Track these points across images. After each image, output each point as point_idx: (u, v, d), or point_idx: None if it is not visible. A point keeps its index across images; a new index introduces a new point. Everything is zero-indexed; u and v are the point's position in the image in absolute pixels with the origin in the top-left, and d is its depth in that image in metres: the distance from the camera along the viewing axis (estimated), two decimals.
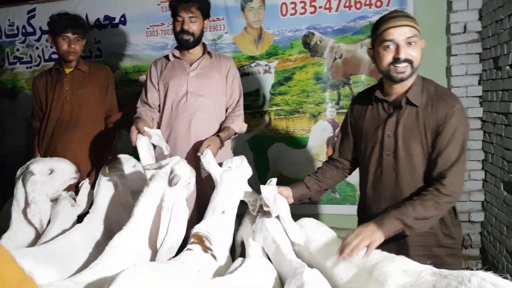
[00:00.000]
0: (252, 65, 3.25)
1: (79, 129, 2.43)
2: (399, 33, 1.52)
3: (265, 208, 1.65)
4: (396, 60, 1.52)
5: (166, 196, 1.60)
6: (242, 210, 1.87)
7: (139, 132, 1.92)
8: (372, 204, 1.70)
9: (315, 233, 1.65)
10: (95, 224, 1.83)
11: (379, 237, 1.43)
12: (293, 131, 3.24)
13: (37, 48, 3.63)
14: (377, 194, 1.67)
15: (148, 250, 1.59)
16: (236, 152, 3.21)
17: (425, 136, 1.56)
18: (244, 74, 3.24)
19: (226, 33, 3.27)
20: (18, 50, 3.68)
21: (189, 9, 2.16)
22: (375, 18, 2.96)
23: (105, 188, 1.99)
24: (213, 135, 2.08)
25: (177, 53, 2.25)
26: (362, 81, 3.16)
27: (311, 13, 3.14)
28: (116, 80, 3.41)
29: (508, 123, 2.61)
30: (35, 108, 2.59)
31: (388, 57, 1.54)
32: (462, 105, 1.57)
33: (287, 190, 1.78)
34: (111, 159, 2.10)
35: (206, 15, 2.23)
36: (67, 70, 2.51)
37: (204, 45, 2.30)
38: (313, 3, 3.12)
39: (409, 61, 1.53)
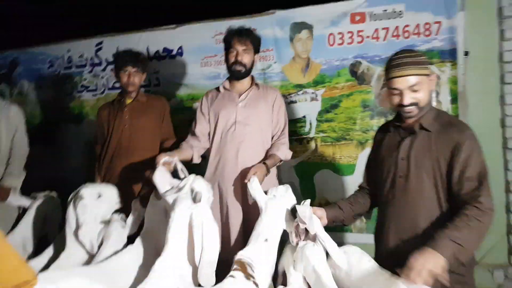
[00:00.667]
0: (299, 93, 3.35)
1: (135, 154, 2.64)
2: (403, 83, 1.64)
3: (301, 226, 1.70)
4: (401, 105, 1.66)
5: (194, 215, 1.68)
6: (285, 237, 1.93)
7: (159, 165, 2.03)
8: (379, 225, 1.81)
9: (358, 261, 1.67)
10: (145, 246, 1.97)
11: (441, 265, 1.42)
12: (340, 158, 3.27)
13: (102, 77, 3.96)
14: (386, 215, 1.76)
15: (189, 270, 1.68)
16: (282, 178, 3.33)
17: (437, 160, 1.63)
18: (291, 102, 3.35)
19: (275, 62, 3.40)
20: (85, 79, 4.03)
21: (244, 42, 2.33)
22: (423, 47, 3.07)
23: (154, 212, 2.08)
24: (259, 162, 2.18)
25: (227, 84, 2.41)
26: None
27: (358, 42, 3.20)
28: (171, 107, 3.68)
29: None
30: (98, 135, 2.85)
31: (395, 100, 1.69)
32: (473, 132, 1.68)
33: (321, 211, 1.84)
34: None
35: (257, 49, 2.39)
36: (128, 101, 2.76)
37: (252, 77, 2.45)
38: (360, 33, 3.19)
39: (415, 104, 1.65)
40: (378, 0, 3.14)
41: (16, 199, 2.74)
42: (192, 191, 1.83)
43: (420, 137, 1.69)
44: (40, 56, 4.15)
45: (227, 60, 2.38)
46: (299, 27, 3.32)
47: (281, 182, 3.25)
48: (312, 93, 3.33)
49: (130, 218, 2.26)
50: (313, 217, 1.69)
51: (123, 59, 2.69)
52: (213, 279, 1.65)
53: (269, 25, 3.37)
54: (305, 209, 1.70)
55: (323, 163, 3.31)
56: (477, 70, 3.03)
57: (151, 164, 2.59)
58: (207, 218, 1.71)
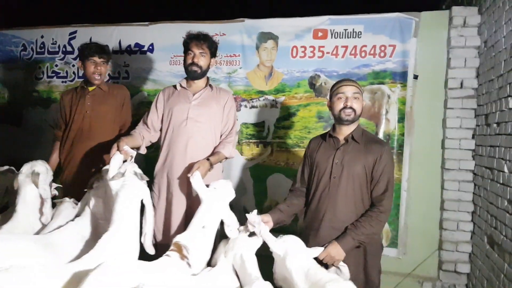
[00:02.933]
0: (261, 99, 3.52)
1: (95, 139, 2.77)
2: (348, 89, 2.11)
3: (250, 229, 1.96)
4: (345, 107, 2.09)
5: (144, 190, 2.02)
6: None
7: (118, 149, 2.18)
8: (314, 216, 2.15)
9: (293, 249, 1.86)
10: (85, 223, 2.10)
11: (342, 255, 1.96)
12: (292, 164, 3.45)
13: (73, 65, 4.02)
14: (321, 208, 2.13)
15: (136, 246, 1.88)
16: (237, 178, 3.49)
17: (363, 167, 2.07)
18: (253, 107, 3.52)
19: (240, 68, 3.57)
20: (56, 65, 4.09)
21: (201, 45, 2.49)
22: (378, 67, 3.29)
23: (96, 193, 2.24)
24: (204, 158, 2.33)
25: (184, 83, 2.57)
26: (361, 123, 3.30)
27: (319, 57, 3.40)
28: (138, 100, 3.79)
29: (492, 178, 2.73)
30: (59, 119, 2.94)
31: (340, 105, 2.11)
32: (389, 147, 2.16)
33: (267, 216, 2.12)
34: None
35: (213, 54, 2.55)
36: (90, 88, 2.87)
37: (207, 78, 2.60)
38: (321, 49, 3.39)
39: (353, 109, 2.10)
40: (340, 19, 3.36)
41: None
42: (135, 173, 2.05)
43: (351, 146, 2.12)
44: (14, 39, 4.19)
45: (185, 61, 2.53)
46: (266, 36, 3.51)
47: (235, 181, 3.47)
48: (273, 100, 3.51)
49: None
50: (261, 223, 1.97)
51: (90, 50, 2.82)
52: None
53: (238, 32, 3.54)
54: (254, 216, 1.97)
55: (277, 167, 3.49)
56: (424, 93, 3.27)
57: (110, 150, 2.73)
58: (148, 195, 2.04)
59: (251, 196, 3.52)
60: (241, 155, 3.55)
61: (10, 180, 2.63)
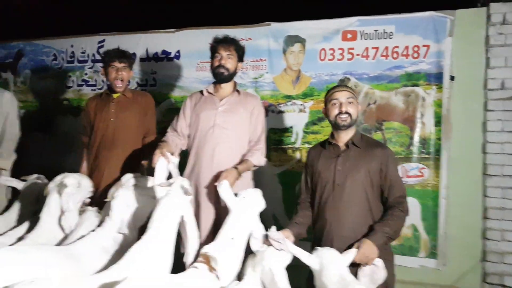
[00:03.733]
0: (288, 103, 3.43)
1: (119, 147, 2.76)
2: (342, 95, 2.13)
3: (276, 246, 1.89)
4: (340, 112, 2.10)
5: (187, 205, 1.97)
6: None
7: (162, 155, 2.14)
8: (322, 224, 2.13)
9: (328, 263, 1.82)
10: (111, 232, 2.07)
11: (376, 252, 1.92)
12: None
13: (102, 74, 4.08)
14: (327, 216, 2.12)
15: (169, 257, 1.83)
16: (265, 185, 3.40)
17: (367, 171, 2.07)
18: (280, 112, 3.44)
19: (267, 72, 3.50)
20: (86, 74, 4.15)
21: (228, 48, 2.45)
22: (411, 69, 3.15)
23: (124, 200, 2.21)
24: (232, 167, 2.26)
25: (211, 88, 2.52)
26: (395, 127, 3.21)
27: (348, 59, 3.29)
28: (165, 107, 3.78)
29: None
30: (85, 125, 2.96)
31: (335, 111, 2.13)
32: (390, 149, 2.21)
33: (287, 232, 2.08)
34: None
35: (240, 58, 2.49)
36: (115, 96, 2.86)
37: (235, 83, 2.55)
38: (351, 51, 3.28)
39: (349, 114, 2.11)
40: (370, 20, 3.24)
41: (7, 180, 2.90)
42: (182, 187, 2.02)
43: (352, 152, 2.13)
44: (45, 49, 4.28)
45: (211, 65, 2.50)
46: (292, 40, 3.43)
47: (263, 188, 3.38)
48: (301, 104, 3.41)
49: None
50: (285, 239, 1.93)
51: (110, 55, 2.83)
52: None
53: (264, 36, 3.48)
54: (276, 234, 1.94)
55: None
56: (462, 95, 3.10)
57: (136, 156, 2.73)
58: (191, 212, 1.99)
59: (280, 203, 3.43)
60: (269, 161, 3.47)
61: (40, 188, 2.67)
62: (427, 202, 3.14)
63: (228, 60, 2.44)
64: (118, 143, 2.77)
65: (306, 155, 2.32)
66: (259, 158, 2.39)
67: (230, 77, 2.48)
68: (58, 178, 2.33)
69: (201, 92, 2.56)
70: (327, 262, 1.81)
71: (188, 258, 1.91)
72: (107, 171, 2.70)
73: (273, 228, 1.99)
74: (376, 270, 1.87)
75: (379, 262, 1.87)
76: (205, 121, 2.42)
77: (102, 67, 2.92)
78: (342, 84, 2.37)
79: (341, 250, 1.94)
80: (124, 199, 2.15)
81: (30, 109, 4.37)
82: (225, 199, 2.08)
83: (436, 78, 3.10)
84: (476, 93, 3.08)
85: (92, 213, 2.25)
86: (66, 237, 2.12)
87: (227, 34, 2.54)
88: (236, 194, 2.09)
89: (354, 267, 1.91)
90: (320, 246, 2.02)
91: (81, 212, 2.28)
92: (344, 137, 2.15)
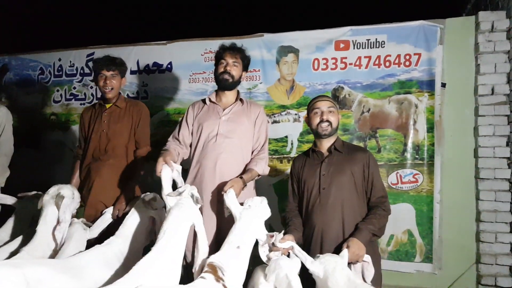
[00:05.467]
0: (283, 113, 3.45)
1: (110, 158, 2.67)
2: (323, 104, 2.22)
3: (285, 252, 1.91)
4: (321, 121, 2.19)
5: (197, 213, 1.94)
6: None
7: (165, 163, 2.11)
8: (310, 229, 2.17)
9: (332, 269, 1.80)
10: (115, 248, 2.01)
11: (364, 249, 1.99)
12: None
13: (91, 87, 4.01)
14: (315, 220, 2.16)
15: (178, 265, 1.78)
16: (260, 194, 3.38)
17: (351, 174, 2.14)
18: (275, 122, 3.45)
19: (260, 83, 3.52)
20: (75, 88, 4.08)
21: (234, 55, 2.44)
22: (403, 77, 3.21)
23: (136, 218, 2.21)
24: (237, 176, 2.24)
25: (213, 97, 2.49)
26: (389, 135, 3.26)
27: (341, 68, 3.34)
28: (158, 120, 3.74)
29: None
30: (80, 138, 2.89)
31: (316, 119, 2.21)
32: (371, 153, 2.27)
33: (290, 236, 2.06)
34: (147, 195, 2.33)
35: (245, 67, 2.49)
36: (107, 106, 2.80)
37: (238, 92, 2.53)
38: (344, 60, 3.33)
39: (329, 122, 2.19)
40: (362, 30, 3.31)
41: (0, 197, 2.75)
42: (192, 195, 1.98)
43: (335, 157, 2.20)
44: (31, 63, 4.20)
45: (216, 72, 2.47)
46: (286, 50, 3.46)
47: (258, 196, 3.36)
48: (295, 114, 3.43)
49: (100, 221, 2.42)
50: (295, 244, 1.95)
51: (100, 64, 2.75)
52: None
53: (257, 46, 3.50)
54: (285, 238, 1.99)
55: None
56: (453, 101, 3.18)
57: (124, 169, 2.67)
58: (201, 221, 1.95)
59: (276, 213, 3.40)
60: None
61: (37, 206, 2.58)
62: (422, 207, 3.18)
63: (233, 67, 2.42)
64: (110, 154, 2.69)
65: (291, 165, 2.37)
66: (263, 167, 2.36)
67: (234, 84, 2.46)
68: (53, 190, 2.26)
69: (204, 101, 2.53)
70: (331, 268, 1.80)
71: (198, 267, 1.87)
72: (97, 181, 2.62)
73: (281, 234, 1.99)
74: (367, 266, 1.94)
75: (368, 258, 1.95)
76: (208, 130, 2.38)
77: (93, 77, 2.86)
78: (323, 95, 2.45)
79: (331, 252, 2.01)
80: (137, 216, 2.16)
81: (17, 124, 4.26)
82: (231, 207, 2.05)
83: (428, 86, 3.18)
84: (467, 99, 3.17)
85: (79, 226, 2.23)
86: (56, 249, 2.07)
87: (234, 42, 2.52)
88: (242, 204, 2.07)
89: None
90: (309, 250, 2.08)
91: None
92: (326, 144, 2.24)
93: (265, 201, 2.09)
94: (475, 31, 3.12)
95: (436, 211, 3.15)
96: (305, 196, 2.23)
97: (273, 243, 1.96)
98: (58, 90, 4.12)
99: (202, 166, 2.35)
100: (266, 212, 2.07)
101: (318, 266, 1.82)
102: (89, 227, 2.37)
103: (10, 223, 2.50)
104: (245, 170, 2.32)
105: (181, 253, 1.79)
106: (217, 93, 2.51)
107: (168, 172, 2.08)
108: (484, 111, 3.09)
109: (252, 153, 2.42)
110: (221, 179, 2.26)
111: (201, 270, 1.83)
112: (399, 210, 3.19)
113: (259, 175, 2.36)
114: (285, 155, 3.44)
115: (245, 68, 2.51)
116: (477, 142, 3.11)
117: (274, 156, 3.46)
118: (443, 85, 3.16)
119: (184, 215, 1.86)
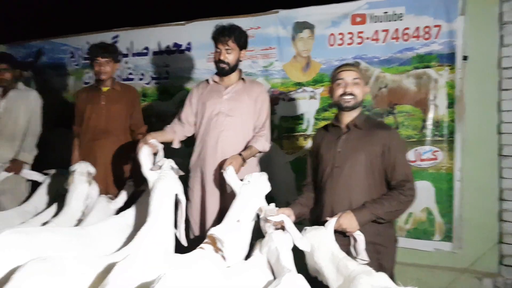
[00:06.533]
0: (299, 91, 3.44)
1: (112, 136, 2.98)
2: (348, 75, 2.07)
3: (275, 219, 1.92)
4: (344, 93, 2.05)
5: (179, 183, 2.07)
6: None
7: (144, 143, 2.26)
8: (320, 207, 2.11)
9: (318, 244, 1.83)
10: (129, 219, 2.15)
11: (355, 227, 1.89)
12: None
13: (117, 69, 4.15)
14: (325, 199, 2.08)
15: (172, 237, 1.91)
16: (278, 173, 3.42)
17: (368, 153, 2.00)
18: (291, 99, 3.45)
19: (276, 60, 3.51)
20: None
21: (226, 42, 2.45)
22: (422, 50, 3.10)
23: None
24: (237, 153, 2.31)
25: (216, 78, 2.56)
26: (407, 111, 3.17)
27: (358, 43, 3.26)
28: (179, 99, 3.84)
29: None
30: (77, 116, 3.14)
31: (339, 91, 2.08)
32: (397, 132, 2.18)
33: (289, 210, 2.09)
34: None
35: (242, 46, 2.50)
36: (104, 89, 3.06)
37: (240, 71, 2.57)
38: (360, 35, 3.24)
39: (353, 95, 2.05)
40: (379, 2, 3.19)
41: (29, 173, 3.09)
42: (172, 168, 2.13)
43: (353, 134, 2.07)
44: (62, 47, 4.42)
45: (214, 57, 2.54)
46: (301, 26, 3.42)
47: (276, 176, 3.41)
48: (311, 91, 3.41)
49: (122, 194, 2.58)
50: (283, 217, 1.93)
51: (94, 51, 3.00)
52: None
53: (272, 24, 3.48)
54: (272, 211, 1.98)
55: None
56: (475, 75, 3.02)
57: (128, 146, 2.86)
58: (182, 190, 2.07)
59: (294, 190, 3.44)
60: (282, 149, 3.49)
61: (61, 181, 2.77)
62: (441, 185, 3.09)
63: (227, 55, 2.45)
64: (111, 132, 2.97)
65: (313, 138, 2.29)
66: (263, 144, 2.42)
67: (231, 70, 2.50)
68: (81, 167, 2.46)
69: (207, 81, 2.60)
70: (316, 242, 1.82)
71: (181, 231, 2.01)
72: (102, 158, 2.90)
73: (272, 205, 2.02)
74: (354, 244, 1.87)
75: (359, 236, 1.86)
76: (211, 109, 2.46)
77: (89, 61, 3.10)
78: (350, 63, 2.24)
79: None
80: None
81: (51, 106, 4.51)
82: (231, 183, 2.13)
83: (448, 59, 3.04)
84: (490, 72, 3.00)
85: (103, 198, 2.42)
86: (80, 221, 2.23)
87: (229, 24, 2.51)
88: (242, 180, 2.13)
89: (345, 237, 1.92)
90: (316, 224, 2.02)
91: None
92: (347, 118, 2.10)
93: (264, 176, 2.14)
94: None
95: (456, 189, 3.05)
96: (319, 172, 2.16)
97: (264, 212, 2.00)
98: (87, 72, 4.31)
99: (205, 144, 2.45)
100: (266, 187, 2.13)
101: (305, 242, 1.83)
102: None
103: (35, 197, 2.72)
104: (245, 147, 2.38)
105: (171, 223, 1.90)
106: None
107: (144, 150, 2.26)
108: (508, 84, 2.91)
109: (254, 130, 2.46)
110: (223, 156, 2.34)
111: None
112: (418, 188, 3.10)
113: (259, 152, 2.41)
114: (301, 133, 3.44)
115: (242, 47, 2.51)
116: (501, 118, 2.96)
117: (290, 134, 3.48)
118: (465, 58, 3.01)
119: (168, 187, 1.99)
